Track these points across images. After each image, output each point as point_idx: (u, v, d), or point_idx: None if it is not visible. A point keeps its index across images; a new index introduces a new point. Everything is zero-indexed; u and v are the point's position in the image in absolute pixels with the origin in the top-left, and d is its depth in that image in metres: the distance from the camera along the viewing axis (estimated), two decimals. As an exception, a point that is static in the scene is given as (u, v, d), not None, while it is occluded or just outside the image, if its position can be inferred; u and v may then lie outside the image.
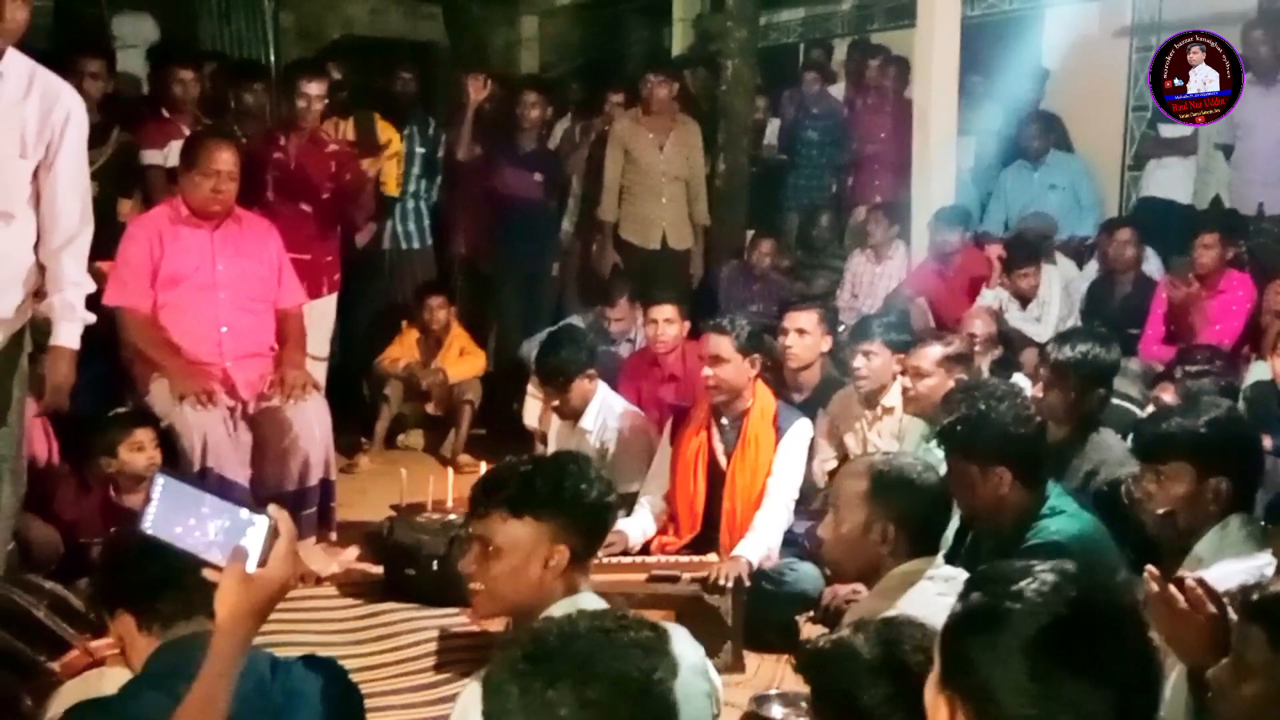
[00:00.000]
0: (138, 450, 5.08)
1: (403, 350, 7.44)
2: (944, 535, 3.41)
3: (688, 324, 6.49)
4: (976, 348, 6.02)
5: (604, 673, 1.79)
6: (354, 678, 2.64)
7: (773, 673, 4.61)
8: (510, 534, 2.63)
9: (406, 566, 5.30)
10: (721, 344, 5.03)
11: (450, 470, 6.32)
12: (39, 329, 4.33)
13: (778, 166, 9.44)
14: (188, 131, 6.21)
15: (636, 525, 5.12)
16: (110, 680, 2.74)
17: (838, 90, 9.99)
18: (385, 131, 7.56)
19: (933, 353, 5.01)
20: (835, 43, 10.75)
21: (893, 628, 2.53)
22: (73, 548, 5.00)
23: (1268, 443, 3.99)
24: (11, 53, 3.91)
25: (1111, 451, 4.31)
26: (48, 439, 5.12)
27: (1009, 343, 6.48)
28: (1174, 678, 2.50)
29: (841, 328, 6.44)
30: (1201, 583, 2.49)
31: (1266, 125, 7.16)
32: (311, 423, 5.54)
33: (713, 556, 4.86)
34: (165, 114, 6.73)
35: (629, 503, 5.35)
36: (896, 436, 5.30)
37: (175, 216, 5.47)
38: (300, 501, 5.47)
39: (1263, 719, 2.17)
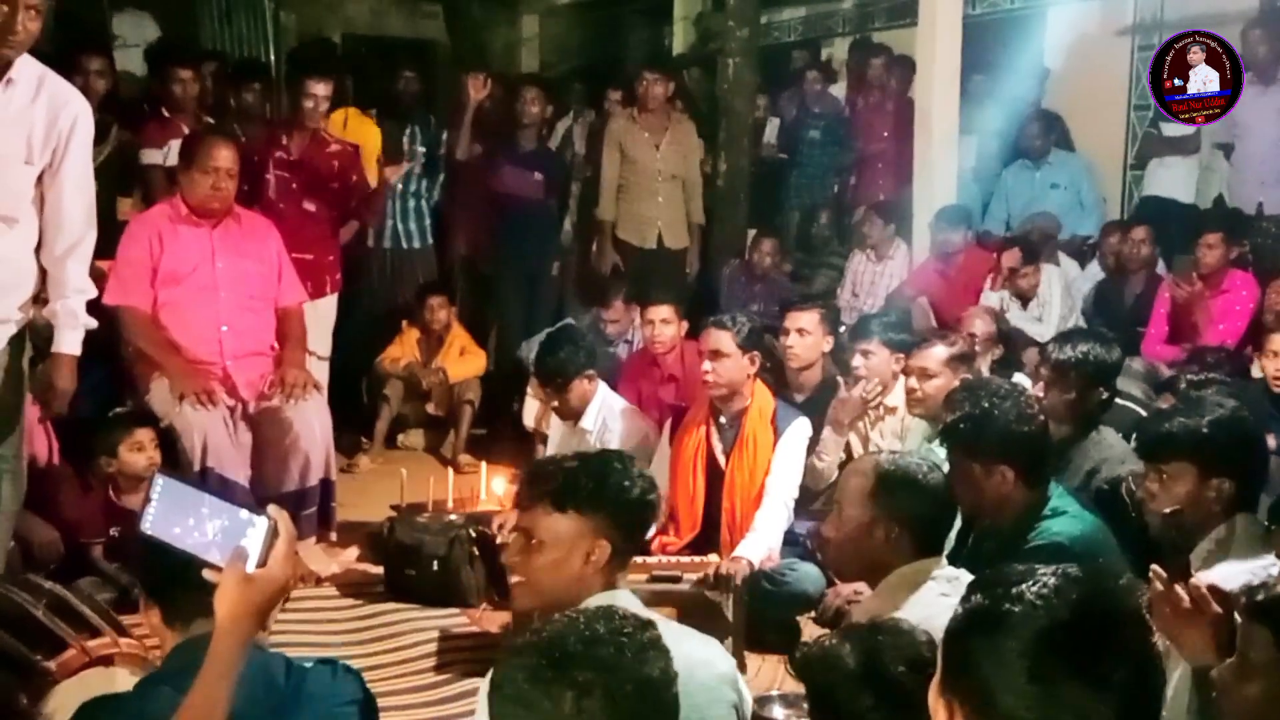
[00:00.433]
0: (138, 450, 5.08)
1: (403, 350, 7.43)
2: (948, 536, 3.39)
3: (685, 324, 6.48)
4: (977, 347, 6.01)
5: (632, 676, 1.80)
6: (360, 679, 2.63)
7: (774, 673, 4.60)
8: (553, 527, 2.66)
9: (407, 567, 5.29)
10: (722, 339, 5.03)
11: (450, 470, 6.33)
12: (39, 333, 4.33)
13: (778, 166, 9.42)
14: (188, 131, 6.20)
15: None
16: (113, 680, 2.73)
17: (837, 90, 9.98)
18: (367, 129, 7.53)
19: (938, 353, 5.00)
20: (825, 42, 10.76)
21: (876, 636, 2.54)
22: (73, 548, 5.00)
23: (1271, 442, 3.98)
24: (22, 57, 3.91)
25: (1112, 450, 4.31)
26: (48, 439, 5.12)
27: (1010, 342, 6.47)
28: (1178, 678, 2.49)
29: (843, 327, 6.43)
30: (1213, 588, 2.48)
31: (1265, 125, 7.16)
32: (312, 422, 5.53)
33: (713, 557, 4.86)
34: (165, 114, 6.73)
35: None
36: (899, 436, 5.29)
37: (175, 215, 5.47)
38: (300, 501, 5.46)
39: (1267, 718, 2.17)
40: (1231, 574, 2.65)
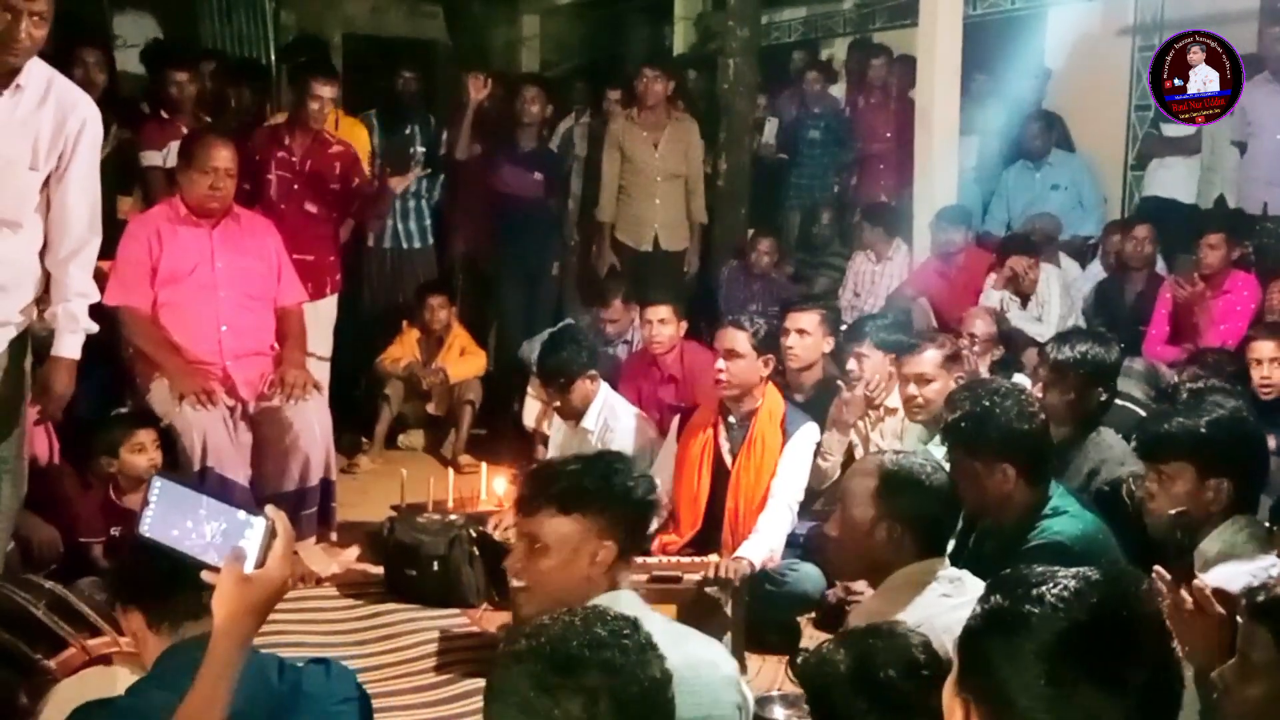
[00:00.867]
0: (139, 451, 5.08)
1: (403, 350, 7.43)
2: (951, 536, 3.39)
3: (684, 324, 6.48)
4: (976, 348, 6.01)
5: (637, 678, 1.80)
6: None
7: (774, 674, 4.60)
8: (560, 531, 2.65)
9: (407, 567, 5.30)
10: (738, 339, 5.03)
11: (451, 470, 6.32)
12: (40, 337, 4.32)
13: (777, 166, 9.42)
14: (186, 132, 6.19)
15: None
16: (113, 679, 2.73)
17: (838, 90, 9.98)
18: (356, 131, 7.52)
19: (931, 357, 5.01)
20: (826, 42, 10.76)
21: (869, 640, 2.55)
22: (72, 547, 4.99)
23: (1271, 443, 3.97)
24: (32, 62, 3.91)
25: (1112, 451, 4.31)
26: (48, 439, 5.11)
27: (1010, 342, 6.47)
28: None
29: (843, 328, 6.43)
30: (1215, 589, 2.48)
31: (1277, 124, 7.15)
32: (312, 422, 5.53)
33: (714, 557, 4.85)
34: (164, 115, 6.72)
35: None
36: (898, 436, 5.29)
37: (174, 215, 5.46)
38: (300, 501, 5.47)
39: (1268, 719, 2.16)
40: (1233, 575, 2.65)
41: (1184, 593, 2.48)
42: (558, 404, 5.75)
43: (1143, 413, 5.17)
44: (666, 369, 6.37)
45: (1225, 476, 3.22)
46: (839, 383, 5.59)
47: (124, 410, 5.50)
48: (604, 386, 5.72)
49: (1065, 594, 1.66)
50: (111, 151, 6.34)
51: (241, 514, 2.08)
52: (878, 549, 3.06)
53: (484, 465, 6.13)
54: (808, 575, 4.89)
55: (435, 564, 5.24)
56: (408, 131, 7.88)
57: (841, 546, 3.18)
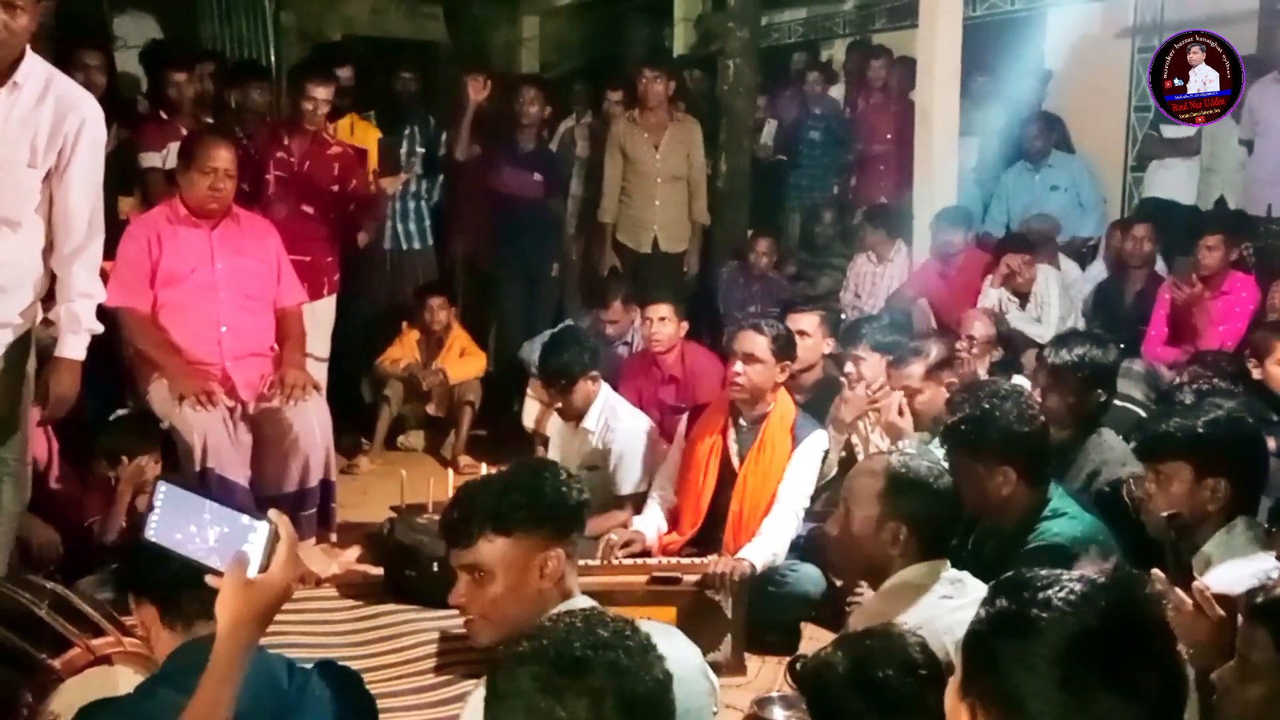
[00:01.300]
0: (140, 469, 5.07)
1: (403, 351, 7.43)
2: (954, 539, 3.39)
3: (685, 324, 6.48)
4: (975, 349, 6.02)
5: (642, 679, 1.80)
6: (361, 681, 2.64)
7: (774, 675, 4.59)
8: (502, 554, 2.58)
9: (407, 568, 5.29)
10: (758, 343, 5.01)
11: (451, 471, 6.31)
12: (45, 340, 4.31)
13: (776, 167, 9.43)
14: (186, 133, 6.19)
15: (650, 522, 5.11)
16: (114, 679, 2.74)
17: (837, 91, 9.99)
18: (373, 135, 7.54)
19: (917, 370, 5.01)
20: (826, 43, 10.76)
21: (865, 643, 2.56)
22: (72, 547, 4.99)
23: (1271, 444, 3.97)
24: (30, 60, 3.88)
25: (1113, 452, 4.31)
26: (48, 439, 5.11)
27: (1009, 344, 6.48)
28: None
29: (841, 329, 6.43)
30: (1218, 593, 2.49)
31: (1283, 123, 7.20)
32: (312, 423, 5.53)
33: (715, 558, 4.85)
34: (163, 115, 6.71)
35: (637, 502, 5.34)
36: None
37: (174, 216, 5.47)
38: (300, 502, 5.47)
39: (1268, 720, 2.17)
40: (1233, 576, 2.65)
41: (1183, 594, 2.49)
42: (559, 405, 5.75)
43: (1143, 413, 5.18)
44: (667, 369, 6.37)
45: (1222, 476, 3.23)
46: (842, 379, 5.60)
47: (125, 412, 5.50)
48: (605, 387, 5.72)
49: (1074, 598, 1.66)
50: (112, 152, 6.33)
51: (245, 518, 2.08)
52: (881, 549, 3.06)
53: (484, 466, 6.11)
54: (808, 576, 4.89)
55: (435, 565, 5.22)
56: (407, 132, 7.87)
57: (844, 546, 3.18)
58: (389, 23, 11.77)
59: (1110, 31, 8.73)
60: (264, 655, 2.24)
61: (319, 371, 6.31)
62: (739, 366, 5.02)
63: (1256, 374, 5.56)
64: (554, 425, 6.11)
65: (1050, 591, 1.68)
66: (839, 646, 2.63)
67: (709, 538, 5.04)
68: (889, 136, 8.98)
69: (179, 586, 2.41)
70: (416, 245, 7.99)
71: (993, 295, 7.15)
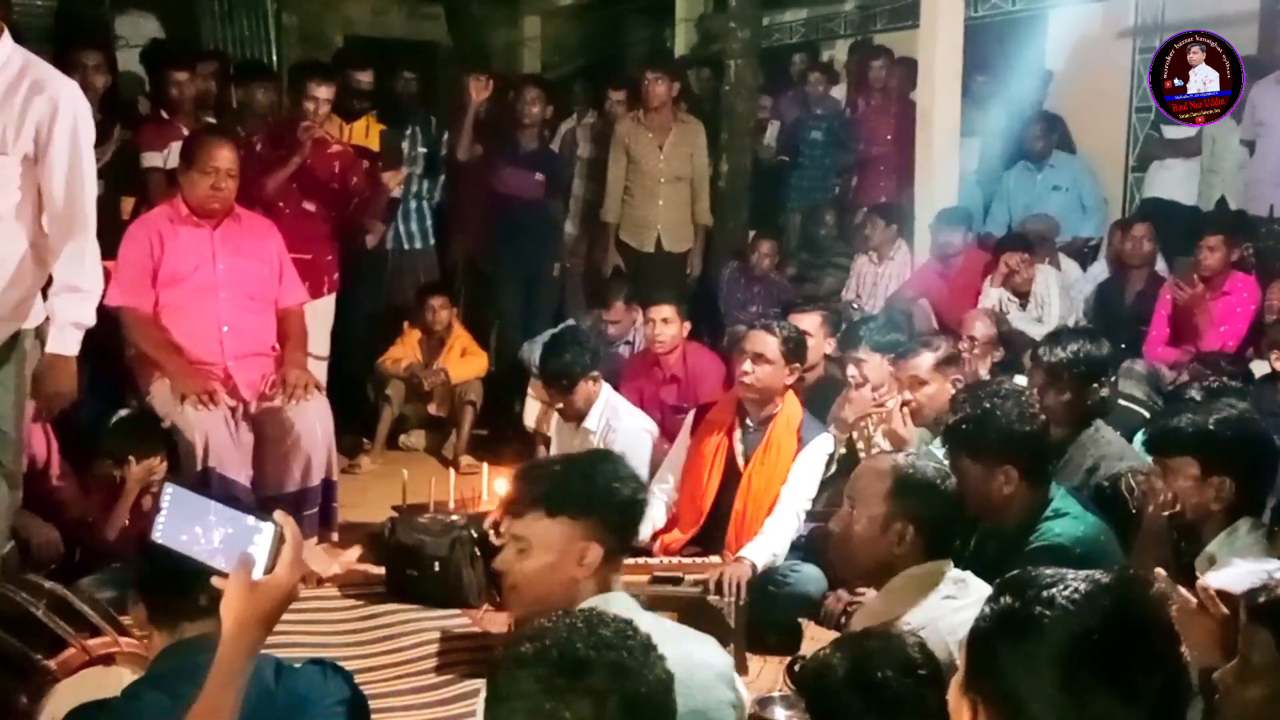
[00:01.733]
0: (147, 471, 5.07)
1: (405, 351, 7.43)
2: (958, 539, 3.39)
3: (688, 325, 6.48)
4: (976, 350, 6.01)
5: (644, 680, 1.80)
6: (355, 679, 2.62)
7: (775, 675, 4.59)
8: (545, 533, 2.64)
9: (408, 567, 5.29)
10: (768, 344, 5.01)
11: (452, 471, 6.31)
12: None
13: (776, 167, 9.42)
14: (187, 133, 6.19)
15: (647, 519, 5.10)
16: (111, 679, 2.73)
17: (839, 91, 9.98)
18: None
19: (926, 360, 5.00)
20: (827, 44, 10.76)
21: (864, 643, 2.56)
22: (73, 547, 4.99)
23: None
24: (4, 45, 3.82)
25: (1110, 446, 4.32)
26: (46, 438, 5.11)
27: (1010, 344, 6.47)
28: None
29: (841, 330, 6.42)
30: (1219, 592, 2.49)
31: (1283, 125, 7.19)
32: (313, 423, 5.53)
33: (716, 559, 4.85)
34: (164, 115, 6.71)
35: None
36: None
37: (175, 216, 5.47)
38: (302, 502, 5.47)
39: (1268, 720, 2.17)
40: (1235, 576, 2.65)
41: (1186, 593, 2.48)
42: (560, 406, 5.75)
43: (1144, 413, 5.18)
44: (669, 369, 6.37)
45: (1228, 475, 3.24)
46: (848, 379, 5.59)
47: (128, 412, 5.49)
48: (606, 387, 5.73)
49: (1078, 597, 1.66)
50: (115, 153, 6.36)
51: (251, 519, 2.08)
52: (886, 549, 3.05)
53: (485, 466, 6.12)
54: (809, 577, 4.88)
55: (436, 565, 5.24)
56: (408, 132, 7.87)
57: (848, 545, 3.17)
58: (390, 23, 11.78)
59: (1111, 32, 8.73)
60: None
61: (319, 370, 6.31)
62: (748, 366, 5.02)
63: (1279, 365, 5.58)
64: (555, 425, 6.11)
65: (1054, 590, 1.68)
66: (838, 647, 2.63)
67: (710, 536, 5.04)
68: (890, 137, 8.96)
69: (164, 587, 2.41)
70: (418, 245, 7.99)
71: (993, 295, 7.15)
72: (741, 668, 4.57)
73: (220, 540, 2.08)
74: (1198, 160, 8.11)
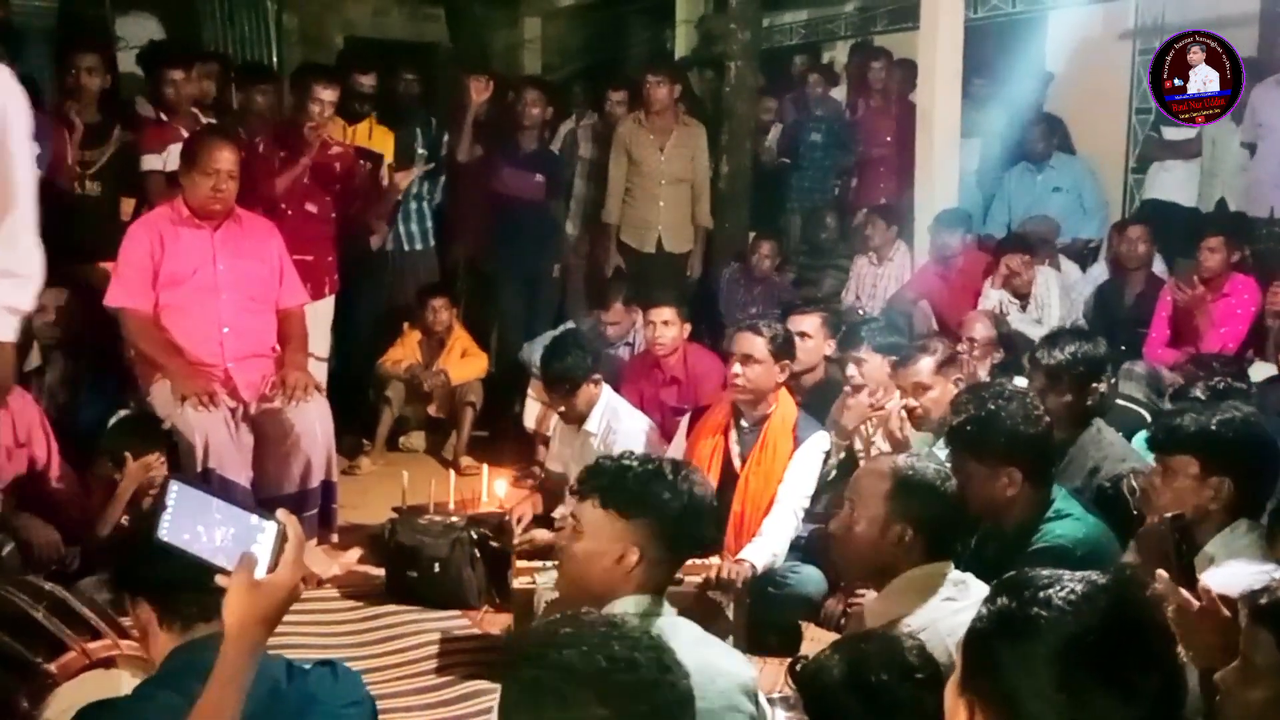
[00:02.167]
0: (145, 469, 5.06)
1: (405, 352, 7.43)
2: (959, 541, 3.39)
3: (688, 326, 6.47)
4: (976, 351, 6.01)
5: (664, 690, 1.79)
6: (360, 681, 2.63)
7: (776, 676, 4.58)
8: (594, 522, 2.72)
9: (408, 569, 5.29)
10: (755, 344, 5.01)
11: (452, 472, 6.31)
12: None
13: (778, 170, 9.42)
14: (186, 134, 6.18)
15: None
16: (111, 682, 2.73)
17: (839, 93, 9.98)
18: (387, 139, 7.55)
19: (926, 365, 5.00)
20: (827, 45, 10.76)
21: (860, 646, 2.56)
22: (73, 547, 4.99)
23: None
24: None
25: (1112, 448, 4.32)
26: (47, 440, 5.12)
27: (1010, 346, 6.47)
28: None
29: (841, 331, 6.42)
30: (1222, 598, 2.48)
31: (1284, 127, 7.19)
32: (313, 424, 5.54)
33: (715, 560, 4.84)
34: (163, 118, 6.70)
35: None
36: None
37: (176, 217, 5.47)
38: (302, 503, 5.47)
39: (1270, 723, 2.16)
40: (1236, 578, 2.65)
41: (1188, 595, 2.48)
42: (562, 409, 5.75)
43: (1145, 413, 5.17)
44: (669, 371, 6.36)
45: (1228, 476, 3.23)
46: (846, 387, 5.59)
47: (129, 414, 5.49)
48: (606, 389, 5.72)
49: (1074, 598, 1.66)
50: (115, 153, 6.36)
51: (254, 518, 2.07)
52: (886, 550, 3.05)
53: (485, 467, 6.13)
54: (809, 578, 4.88)
55: (436, 566, 5.24)
56: (403, 133, 7.86)
57: (849, 546, 3.17)
58: (390, 24, 11.77)
59: (1111, 34, 8.73)
60: (263, 656, 2.23)
61: (319, 371, 6.31)
62: (737, 368, 5.03)
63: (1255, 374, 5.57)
64: (555, 426, 6.11)
65: (1050, 591, 1.68)
66: (836, 649, 2.63)
67: (710, 539, 5.04)
68: (890, 138, 8.96)
69: (178, 587, 2.40)
70: (418, 246, 7.99)
71: (993, 297, 7.15)
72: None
73: (223, 539, 2.08)
74: (1198, 162, 8.11)
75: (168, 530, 2.11)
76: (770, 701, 3.98)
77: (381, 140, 7.43)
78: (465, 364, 7.43)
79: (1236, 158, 7.84)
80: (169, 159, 6.19)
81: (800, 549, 5.01)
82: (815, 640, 4.74)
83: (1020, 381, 5.07)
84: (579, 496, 2.78)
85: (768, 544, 4.81)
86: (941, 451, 3.87)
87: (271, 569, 2.04)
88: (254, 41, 10.15)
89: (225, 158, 5.41)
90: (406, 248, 7.93)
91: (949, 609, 2.85)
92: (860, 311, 7.59)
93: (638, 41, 12.31)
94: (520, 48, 12.02)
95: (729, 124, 8.89)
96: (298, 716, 2.38)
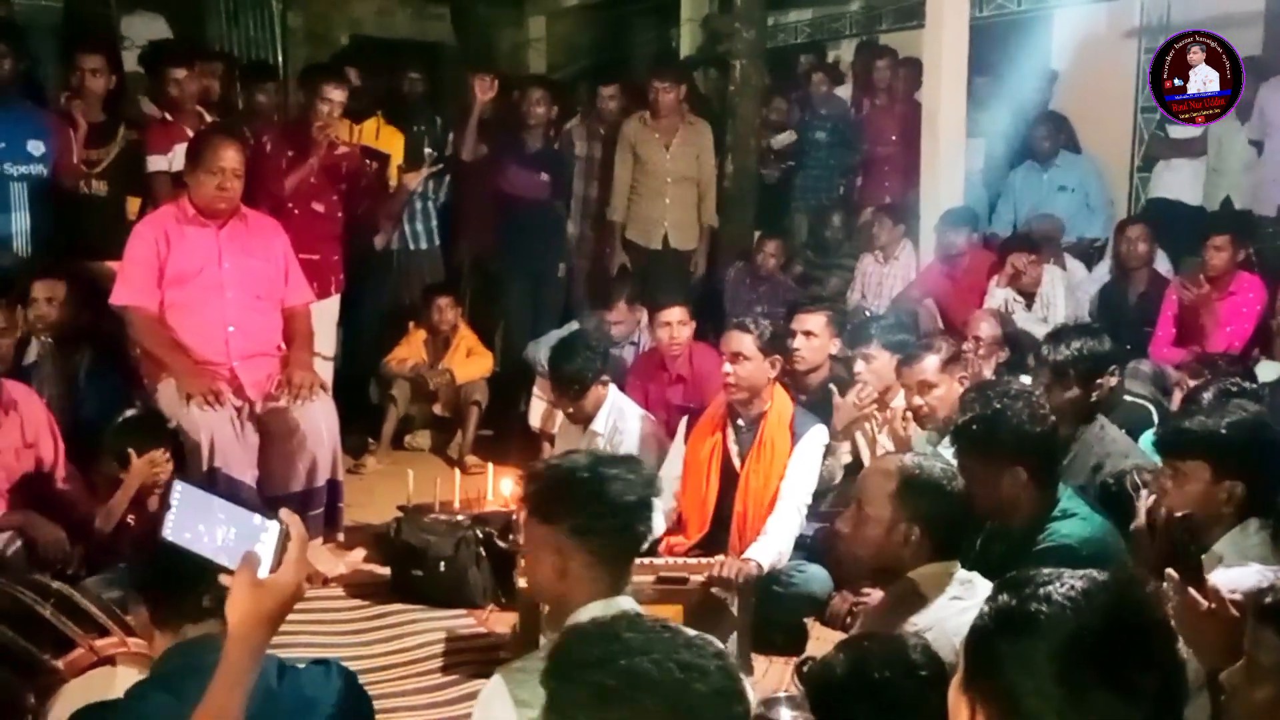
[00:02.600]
0: (151, 466, 5.04)
1: (410, 351, 7.43)
2: (965, 540, 3.38)
3: (693, 325, 6.47)
4: (982, 350, 6.01)
5: (743, 696, 1.78)
6: (360, 679, 2.63)
7: (781, 675, 4.59)
8: (534, 535, 2.70)
9: (413, 568, 5.30)
10: (744, 342, 5.01)
11: (457, 471, 6.32)
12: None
13: (784, 175, 9.42)
14: (191, 134, 6.19)
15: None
16: (118, 680, 2.73)
17: (844, 92, 9.97)
18: (397, 138, 7.55)
19: (931, 363, 5.01)
20: (832, 44, 10.75)
21: (864, 645, 2.55)
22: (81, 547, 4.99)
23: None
24: None
25: (1115, 445, 4.32)
26: (54, 440, 5.12)
27: (1016, 344, 6.46)
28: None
29: (848, 329, 6.42)
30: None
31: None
32: (319, 423, 5.54)
33: (721, 558, 4.84)
34: (168, 118, 6.70)
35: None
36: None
37: (182, 216, 5.47)
38: (307, 502, 5.48)
39: (1276, 722, 2.16)
40: (1243, 577, 2.64)
41: (1195, 594, 2.47)
42: (569, 410, 5.75)
43: (1150, 407, 5.17)
44: (675, 370, 6.36)
45: (1239, 479, 3.23)
46: (831, 386, 5.59)
47: (135, 413, 5.48)
48: (613, 389, 5.73)
49: (1074, 595, 1.66)
50: (121, 152, 6.36)
51: (257, 519, 2.07)
52: (893, 550, 3.05)
53: (490, 466, 6.13)
54: (815, 577, 4.88)
55: (442, 565, 5.24)
56: (414, 133, 7.87)
57: (855, 545, 3.17)
58: (395, 24, 11.76)
59: (1116, 32, 8.71)
60: None
61: (325, 370, 6.31)
62: (728, 366, 5.04)
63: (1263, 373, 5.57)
64: (560, 425, 6.10)
65: (1050, 588, 1.68)
66: (840, 648, 2.63)
67: (715, 539, 5.03)
68: (895, 137, 8.95)
69: (167, 587, 2.40)
70: (423, 245, 8.00)
71: (999, 296, 7.14)
72: (747, 668, 4.57)
73: (226, 538, 2.08)
74: (1203, 160, 8.09)
75: (171, 530, 2.12)
76: (775, 701, 4.00)
77: (389, 140, 7.44)
78: (470, 363, 7.43)
79: (1242, 156, 7.83)
80: (175, 160, 6.19)
81: (806, 548, 5.01)
82: (821, 639, 4.75)
83: (1026, 380, 5.07)
84: (526, 512, 2.76)
85: (773, 542, 4.80)
86: (947, 451, 3.86)
87: (274, 569, 2.03)
88: (259, 41, 10.16)
89: (230, 156, 5.42)
90: (412, 247, 7.95)
91: (956, 608, 2.85)
92: (867, 312, 7.58)
93: (643, 40, 12.30)
94: (525, 47, 12.02)
95: (734, 123, 8.89)
96: (292, 716, 2.37)
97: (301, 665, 2.48)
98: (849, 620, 4.74)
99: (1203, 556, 3.16)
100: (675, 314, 6.34)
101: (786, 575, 4.84)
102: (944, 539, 3.07)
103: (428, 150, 7.72)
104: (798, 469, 4.97)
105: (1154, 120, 8.46)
